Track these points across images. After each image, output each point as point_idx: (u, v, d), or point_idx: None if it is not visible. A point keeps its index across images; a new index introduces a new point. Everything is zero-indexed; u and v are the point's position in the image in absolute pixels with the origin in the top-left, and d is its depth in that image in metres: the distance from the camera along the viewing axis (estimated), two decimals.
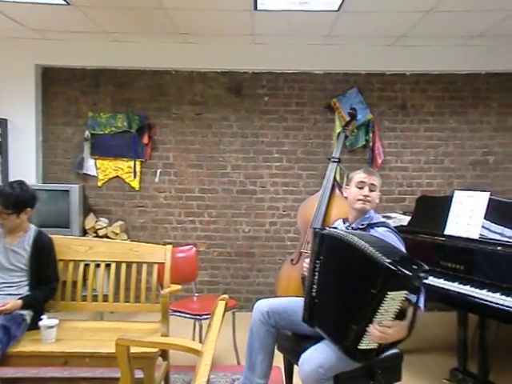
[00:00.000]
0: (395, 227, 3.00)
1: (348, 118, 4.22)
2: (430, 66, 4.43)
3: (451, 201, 2.92)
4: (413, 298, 1.87)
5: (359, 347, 1.89)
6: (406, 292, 1.84)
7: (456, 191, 2.94)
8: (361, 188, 2.34)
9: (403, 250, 2.14)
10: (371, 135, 4.46)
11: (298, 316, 2.30)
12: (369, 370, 2.12)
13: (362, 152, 4.53)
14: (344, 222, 2.47)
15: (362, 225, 2.34)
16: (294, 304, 2.39)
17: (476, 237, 2.66)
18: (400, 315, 1.88)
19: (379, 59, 4.43)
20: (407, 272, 1.79)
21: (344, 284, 2.02)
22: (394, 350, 2.20)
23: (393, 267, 1.78)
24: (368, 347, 1.90)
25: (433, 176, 4.57)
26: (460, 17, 3.62)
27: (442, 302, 2.67)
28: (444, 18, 3.62)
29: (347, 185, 2.47)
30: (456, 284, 2.59)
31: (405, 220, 3.47)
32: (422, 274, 1.84)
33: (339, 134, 4.17)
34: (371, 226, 2.31)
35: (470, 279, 2.58)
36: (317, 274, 2.18)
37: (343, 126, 4.19)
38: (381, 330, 1.84)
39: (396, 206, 4.49)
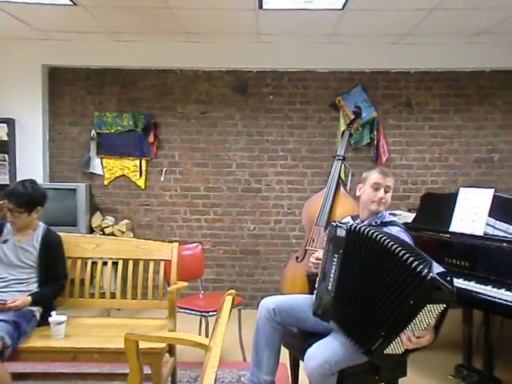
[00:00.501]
0: None
1: (352, 116, 4.23)
2: (434, 63, 4.43)
3: (456, 198, 2.93)
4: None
5: (385, 352, 1.90)
6: (444, 305, 1.80)
7: (461, 188, 2.95)
8: (376, 189, 2.33)
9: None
10: (376, 133, 4.47)
11: (304, 313, 2.32)
12: (374, 366, 2.13)
13: (367, 150, 4.54)
14: (354, 220, 2.43)
15: (376, 222, 2.34)
16: (300, 301, 2.41)
17: (481, 233, 2.67)
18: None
19: (383, 57, 4.44)
20: (450, 287, 1.77)
21: (372, 285, 1.95)
22: None
23: (437, 282, 1.75)
24: (393, 353, 1.90)
25: (437, 174, 4.57)
26: (464, 14, 3.62)
27: None
28: (448, 15, 3.63)
29: (360, 183, 2.44)
30: (461, 280, 2.60)
31: (409, 217, 3.48)
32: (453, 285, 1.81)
33: (344, 132, 4.19)
34: (384, 224, 2.32)
35: (474, 275, 2.59)
36: (334, 268, 2.13)
37: (348, 124, 4.21)
38: (414, 340, 1.83)
39: (401, 203, 4.48)
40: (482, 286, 2.46)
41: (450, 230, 2.87)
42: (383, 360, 1.96)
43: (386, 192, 2.33)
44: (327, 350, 2.03)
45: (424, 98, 4.55)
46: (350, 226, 2.13)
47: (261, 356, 2.36)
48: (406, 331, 1.84)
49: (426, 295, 1.77)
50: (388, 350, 1.90)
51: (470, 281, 2.56)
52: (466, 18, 3.70)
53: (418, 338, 1.84)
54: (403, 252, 1.86)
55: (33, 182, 2.65)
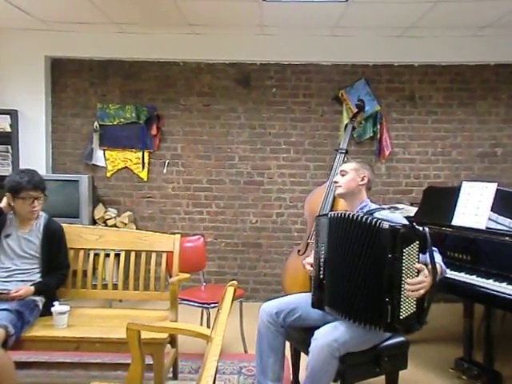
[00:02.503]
0: None
1: (355, 110, 4.22)
2: (438, 57, 4.40)
3: (459, 192, 2.92)
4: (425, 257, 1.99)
5: (401, 317, 1.94)
6: (417, 243, 1.95)
7: (464, 182, 2.94)
8: None
9: None
10: (379, 127, 4.45)
11: (304, 311, 2.35)
12: (375, 358, 2.15)
13: (370, 143, 4.53)
14: None
15: (362, 211, 2.37)
16: (300, 301, 2.41)
17: (483, 227, 2.67)
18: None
19: (387, 50, 4.41)
20: (408, 225, 1.99)
21: (355, 262, 2.09)
22: (401, 339, 2.24)
23: (395, 227, 1.96)
24: (408, 313, 1.95)
25: (440, 168, 4.56)
26: (469, 7, 3.59)
27: (448, 292, 2.68)
28: (453, 8, 3.60)
29: None
30: (462, 274, 2.60)
31: (412, 211, 3.48)
32: (423, 227, 1.99)
33: (347, 125, 4.18)
34: (371, 211, 2.34)
35: (476, 269, 2.59)
36: (323, 256, 2.26)
37: (351, 118, 4.20)
38: (413, 284, 1.93)
39: (403, 197, 4.49)
40: (484, 280, 2.46)
41: (453, 223, 2.87)
42: (407, 327, 2.00)
43: (341, 176, 2.46)
44: (335, 331, 2.06)
45: (427, 92, 4.52)
46: (331, 214, 2.29)
47: (266, 362, 2.34)
48: (404, 284, 1.93)
49: (395, 242, 1.94)
50: (403, 313, 1.94)
51: (471, 275, 2.57)
52: (471, 10, 3.67)
53: (417, 284, 1.94)
54: (365, 218, 2.08)
55: (26, 169, 2.69)
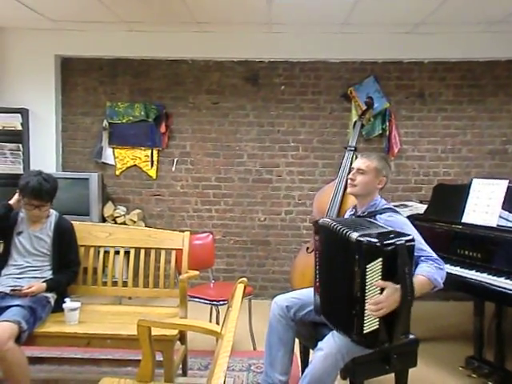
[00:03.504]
0: (411, 215, 3.02)
1: (364, 107, 4.21)
2: (448, 53, 4.37)
3: (469, 189, 2.91)
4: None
5: (364, 331, 1.90)
6: (380, 260, 1.84)
7: (474, 179, 2.93)
8: (351, 173, 2.38)
9: (412, 232, 2.10)
10: (388, 124, 4.43)
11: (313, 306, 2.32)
12: (385, 355, 2.14)
13: (379, 141, 4.51)
14: (354, 209, 2.47)
15: (363, 212, 2.33)
16: (310, 295, 2.37)
17: (494, 225, 2.65)
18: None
19: (396, 47, 4.38)
20: (372, 241, 1.84)
21: (336, 271, 2.06)
22: (410, 336, 2.22)
23: (359, 239, 1.85)
24: (372, 328, 1.90)
25: (450, 165, 4.53)
26: (480, 2, 3.55)
27: (458, 290, 2.68)
28: (463, 3, 3.57)
29: None
30: (473, 272, 2.59)
31: (421, 208, 3.46)
32: (398, 241, 1.85)
33: (355, 122, 4.17)
34: (374, 213, 2.28)
35: (487, 267, 2.58)
36: (317, 264, 2.23)
37: (359, 115, 4.19)
38: (373, 304, 1.85)
39: (412, 195, 4.47)
40: (495, 278, 2.45)
41: (463, 221, 2.85)
42: (373, 341, 1.94)
43: (360, 174, 2.30)
44: (339, 340, 2.03)
45: (437, 89, 4.49)
46: (320, 221, 2.21)
47: (275, 355, 2.34)
48: (367, 300, 1.87)
49: (359, 257, 1.86)
50: (366, 328, 1.89)
51: (482, 272, 2.55)
52: (481, 6, 3.63)
53: (377, 303, 1.86)
54: (340, 229, 1.99)
55: (41, 172, 2.65)
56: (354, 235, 1.88)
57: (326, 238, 2.17)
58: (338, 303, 2.05)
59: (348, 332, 1.97)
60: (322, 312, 2.21)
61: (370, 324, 1.89)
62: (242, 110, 4.56)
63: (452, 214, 2.94)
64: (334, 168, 4.35)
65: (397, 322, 1.91)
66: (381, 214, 2.26)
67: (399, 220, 2.22)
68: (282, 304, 2.37)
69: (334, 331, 2.10)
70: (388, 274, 1.87)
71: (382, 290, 1.87)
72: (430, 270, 2.02)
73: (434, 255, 2.10)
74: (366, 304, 1.86)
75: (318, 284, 2.23)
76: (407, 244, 1.88)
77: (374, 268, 1.85)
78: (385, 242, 1.84)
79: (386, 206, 2.33)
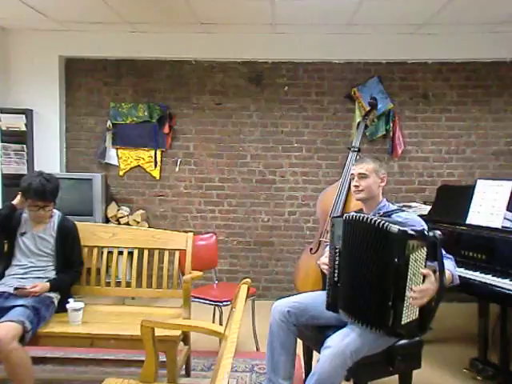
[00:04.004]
0: None
1: (368, 108, 4.20)
2: (452, 54, 4.36)
3: (473, 190, 2.89)
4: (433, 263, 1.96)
5: (402, 322, 1.92)
6: (425, 248, 1.92)
7: (479, 180, 2.91)
8: (352, 179, 2.41)
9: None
10: (391, 125, 4.42)
11: (316, 310, 2.32)
12: (389, 357, 2.14)
13: (382, 142, 4.50)
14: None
15: (378, 213, 2.33)
16: (313, 300, 2.39)
17: (499, 226, 2.64)
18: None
19: (400, 48, 4.37)
20: (419, 230, 1.93)
21: (366, 264, 2.06)
22: (414, 338, 2.22)
23: (403, 230, 1.90)
24: (411, 319, 1.94)
25: (454, 166, 4.51)
26: (485, 3, 3.54)
27: (463, 291, 2.65)
28: (468, 4, 3.55)
29: None
30: (477, 273, 2.58)
31: (425, 209, 3.45)
32: (435, 232, 1.95)
33: (359, 123, 4.16)
34: (388, 213, 2.30)
35: (491, 268, 2.56)
36: (338, 259, 2.22)
37: (363, 116, 4.18)
38: (416, 294, 1.91)
39: (416, 196, 4.45)
40: (500, 280, 2.44)
41: (467, 222, 2.84)
42: (408, 332, 1.98)
43: (363, 179, 2.34)
44: (347, 338, 2.02)
45: (441, 90, 4.48)
46: (346, 216, 2.22)
47: (277, 360, 2.32)
48: (408, 291, 1.91)
49: (403, 248, 1.90)
50: (404, 319, 1.92)
51: (486, 274, 2.54)
52: (486, 6, 3.62)
53: (422, 292, 1.92)
54: (376, 221, 2.03)
55: (42, 173, 2.65)
56: (395, 227, 1.93)
57: (353, 231, 2.16)
58: (368, 296, 2.04)
59: (380, 324, 1.97)
60: (341, 306, 2.19)
61: (410, 314, 1.94)
62: (246, 110, 4.56)
63: (456, 215, 2.92)
64: (338, 169, 4.35)
65: (430, 312, 1.98)
66: (397, 212, 2.31)
67: (417, 218, 2.27)
68: (283, 309, 2.34)
69: (344, 329, 2.10)
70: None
71: (424, 278, 1.94)
72: (452, 267, 2.12)
73: (448, 255, 2.18)
74: (407, 293, 1.90)
75: (336, 279, 2.22)
76: (440, 236, 1.97)
77: (419, 257, 1.92)
78: (427, 233, 1.94)
79: (396, 207, 2.41)
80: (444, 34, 4.25)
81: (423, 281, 1.94)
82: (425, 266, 1.94)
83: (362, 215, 2.16)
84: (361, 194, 2.36)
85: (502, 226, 2.64)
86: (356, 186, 2.36)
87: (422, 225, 2.18)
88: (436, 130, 4.50)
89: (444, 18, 3.88)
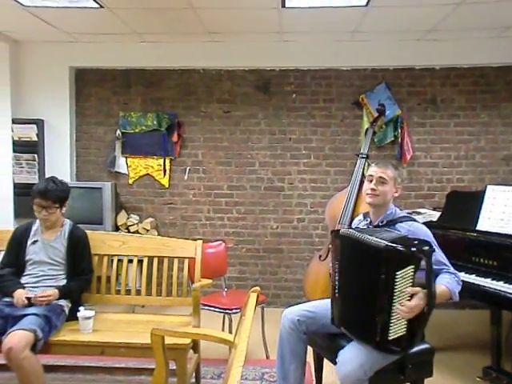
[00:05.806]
0: (425, 223, 2.98)
1: (376, 114, 4.20)
2: (460, 59, 4.35)
3: (483, 196, 2.87)
4: (421, 274, 1.93)
5: (389, 338, 1.91)
6: (412, 267, 1.89)
7: (489, 186, 2.90)
8: (369, 181, 2.29)
9: (433, 241, 2.13)
10: (400, 131, 4.41)
11: (327, 318, 2.29)
12: (400, 365, 2.12)
13: (391, 148, 4.49)
14: (364, 217, 2.43)
15: (382, 222, 2.29)
16: (323, 308, 2.35)
17: (510, 232, 2.61)
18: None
19: (408, 54, 4.37)
20: (404, 248, 1.88)
21: (358, 280, 2.07)
22: (426, 345, 2.20)
23: (390, 247, 1.88)
24: (398, 335, 1.92)
25: (463, 172, 4.48)
26: (493, 8, 3.53)
27: (474, 298, 2.64)
28: (476, 9, 3.55)
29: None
30: (489, 280, 2.55)
31: (435, 216, 3.43)
32: (425, 248, 1.90)
33: (367, 130, 4.16)
34: (393, 222, 2.26)
35: (503, 275, 2.54)
36: (337, 274, 2.21)
37: (371, 122, 4.18)
38: (402, 312, 1.90)
39: (425, 202, 4.43)
40: None
41: (478, 228, 2.82)
42: (398, 348, 1.96)
43: (381, 184, 2.24)
44: (361, 354, 2.00)
45: (450, 95, 4.46)
46: (342, 231, 2.21)
47: (287, 368, 2.31)
48: (395, 307, 1.90)
49: (388, 264, 1.89)
50: (391, 335, 1.91)
51: (498, 281, 2.52)
52: (494, 11, 3.60)
53: (409, 308, 1.91)
54: (367, 237, 2.00)
55: (56, 178, 2.73)
56: (383, 243, 1.91)
57: (347, 247, 2.16)
58: (360, 312, 2.04)
59: (370, 339, 1.97)
60: (341, 323, 2.19)
61: (397, 330, 1.92)
62: (254, 118, 4.59)
63: (466, 221, 2.90)
64: (346, 175, 4.34)
65: (419, 328, 1.96)
66: (401, 222, 2.25)
67: (421, 228, 2.23)
68: (293, 317, 2.32)
69: (354, 343, 2.08)
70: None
71: (411, 296, 1.92)
72: (451, 282, 2.09)
73: (453, 269, 2.15)
74: (394, 309, 1.90)
75: (337, 295, 2.21)
76: (431, 251, 1.94)
77: (406, 275, 1.90)
78: (414, 249, 1.89)
79: (403, 214, 2.35)
80: (451, 39, 4.24)
81: (411, 297, 1.92)
82: (413, 283, 1.91)
83: (354, 232, 2.12)
84: (375, 198, 2.25)
85: None
86: (373, 190, 2.25)
87: (427, 235, 2.15)
88: (445, 136, 4.48)
89: (451, 24, 3.87)
